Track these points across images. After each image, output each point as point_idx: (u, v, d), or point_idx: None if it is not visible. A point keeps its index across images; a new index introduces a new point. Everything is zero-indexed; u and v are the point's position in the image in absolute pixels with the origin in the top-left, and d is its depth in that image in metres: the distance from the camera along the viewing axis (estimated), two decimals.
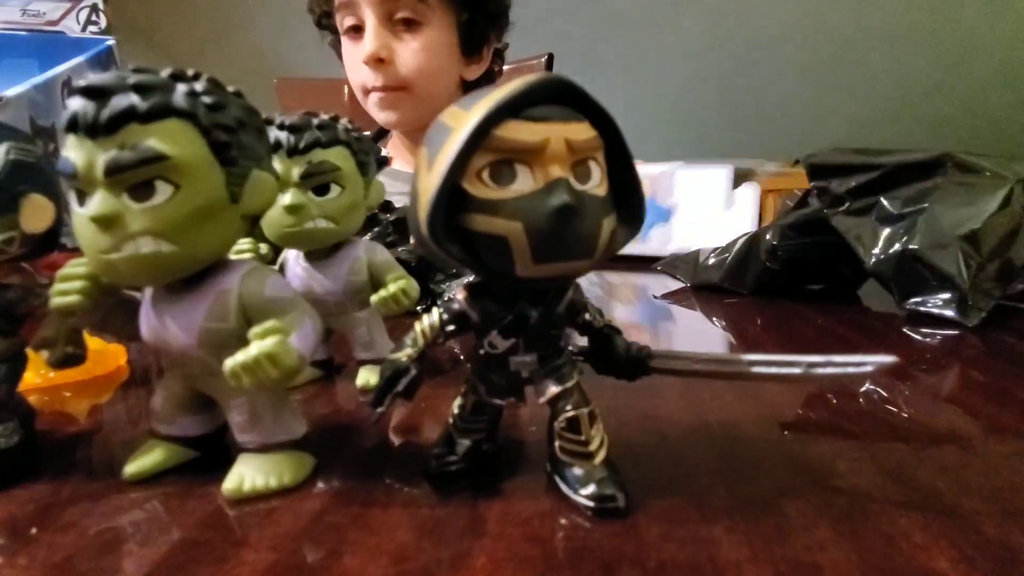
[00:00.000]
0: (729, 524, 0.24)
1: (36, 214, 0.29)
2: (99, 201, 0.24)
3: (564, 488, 0.26)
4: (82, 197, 0.24)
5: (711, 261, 0.76)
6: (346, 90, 1.47)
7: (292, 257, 0.42)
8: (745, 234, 0.73)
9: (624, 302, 0.65)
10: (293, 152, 0.36)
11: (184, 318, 0.27)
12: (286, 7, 2.00)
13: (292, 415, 0.30)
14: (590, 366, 0.29)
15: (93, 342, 0.33)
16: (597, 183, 0.24)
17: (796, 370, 0.26)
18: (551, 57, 1.41)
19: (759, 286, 0.72)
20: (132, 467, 0.29)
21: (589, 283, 0.75)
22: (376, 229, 0.61)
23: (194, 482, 0.29)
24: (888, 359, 0.25)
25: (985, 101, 1.93)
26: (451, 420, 0.29)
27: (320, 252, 0.41)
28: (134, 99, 0.23)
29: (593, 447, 0.26)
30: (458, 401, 0.29)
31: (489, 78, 1.13)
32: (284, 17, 2.01)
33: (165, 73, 0.25)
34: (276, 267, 0.43)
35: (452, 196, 0.22)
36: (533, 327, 0.26)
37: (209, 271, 0.27)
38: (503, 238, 0.22)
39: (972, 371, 0.46)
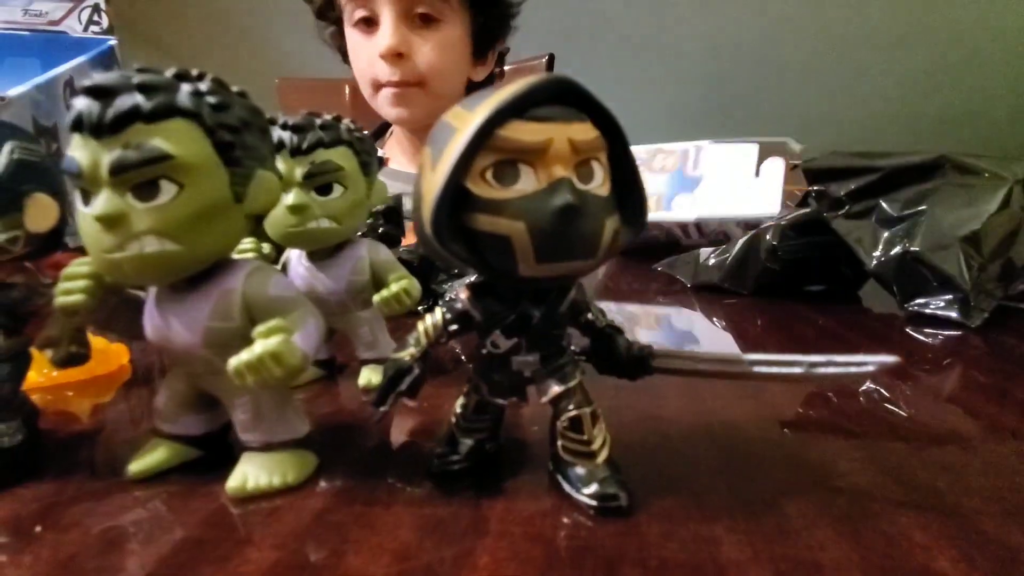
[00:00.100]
0: (730, 523, 0.24)
1: (40, 213, 0.29)
2: (104, 200, 0.24)
3: (566, 487, 0.26)
4: (87, 196, 0.24)
5: (711, 261, 0.76)
6: (347, 90, 1.48)
7: (294, 257, 0.42)
8: (745, 235, 0.74)
9: (647, 328, 0.65)
10: (296, 152, 0.36)
11: (188, 317, 0.27)
12: (287, 8, 2.00)
13: (295, 414, 0.30)
14: (592, 366, 0.29)
15: (96, 341, 0.33)
16: (600, 183, 0.24)
17: (798, 370, 0.26)
18: (552, 57, 1.41)
19: (759, 286, 0.72)
20: (136, 466, 0.29)
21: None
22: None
23: (197, 481, 0.29)
24: (889, 359, 0.25)
25: (987, 102, 1.93)
26: (454, 419, 0.29)
27: (323, 252, 0.41)
28: (139, 99, 0.23)
29: (595, 446, 0.26)
30: (460, 400, 0.29)
31: (490, 80, 1.13)
32: (285, 17, 2.01)
33: (169, 73, 0.25)
34: (278, 266, 0.43)
35: (456, 196, 0.22)
36: (536, 327, 0.26)
37: (213, 270, 0.27)
38: (506, 238, 0.22)
39: (973, 371, 0.46)
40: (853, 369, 0.25)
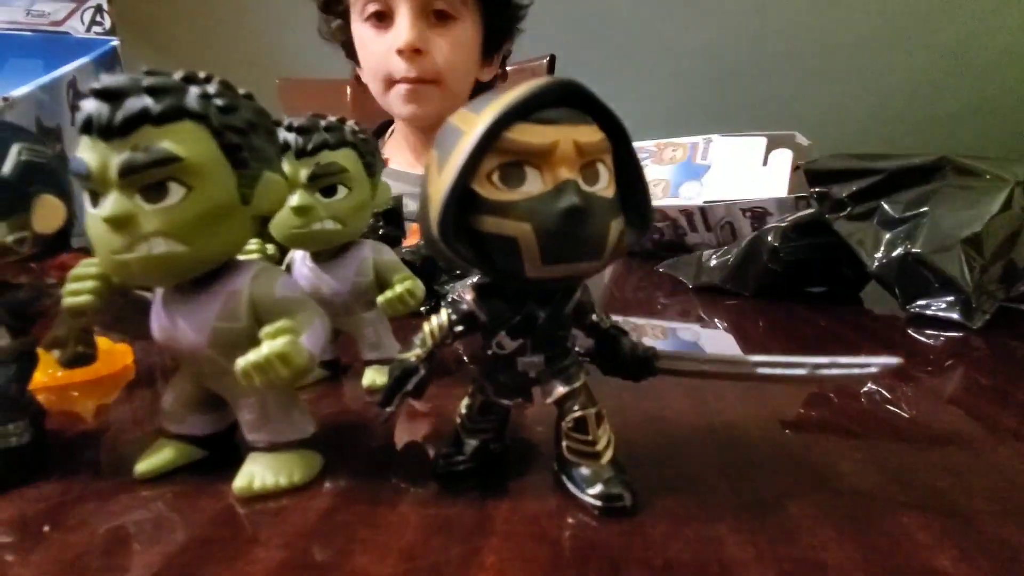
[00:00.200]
0: (734, 523, 0.24)
1: (48, 214, 0.29)
2: (112, 202, 0.24)
3: (571, 487, 0.26)
4: (95, 198, 0.25)
5: (713, 262, 0.76)
6: (348, 90, 1.48)
7: (299, 258, 0.42)
8: (751, 227, 0.74)
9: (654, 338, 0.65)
10: (301, 154, 0.36)
11: (195, 318, 0.27)
12: (289, 8, 2.00)
13: (301, 414, 0.30)
14: (596, 367, 0.29)
15: (100, 341, 0.33)
16: (605, 185, 0.24)
17: (801, 371, 0.26)
18: (553, 58, 1.41)
19: (761, 287, 0.72)
20: (142, 465, 0.29)
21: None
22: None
23: (204, 481, 0.29)
24: (892, 360, 0.25)
25: (989, 102, 1.93)
26: (459, 420, 0.29)
27: (327, 253, 0.41)
28: (147, 101, 0.23)
29: (600, 447, 0.26)
30: (465, 401, 0.29)
31: (493, 82, 1.13)
32: (287, 18, 2.01)
33: (178, 76, 0.25)
34: (283, 267, 0.43)
35: (462, 198, 0.22)
36: (541, 328, 0.26)
37: (220, 271, 0.27)
38: (513, 239, 0.22)
39: (975, 373, 0.46)
40: (856, 371, 0.26)
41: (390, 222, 0.62)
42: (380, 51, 1.01)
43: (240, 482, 0.28)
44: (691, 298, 0.76)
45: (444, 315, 0.27)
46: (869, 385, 0.41)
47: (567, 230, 0.22)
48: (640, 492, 0.26)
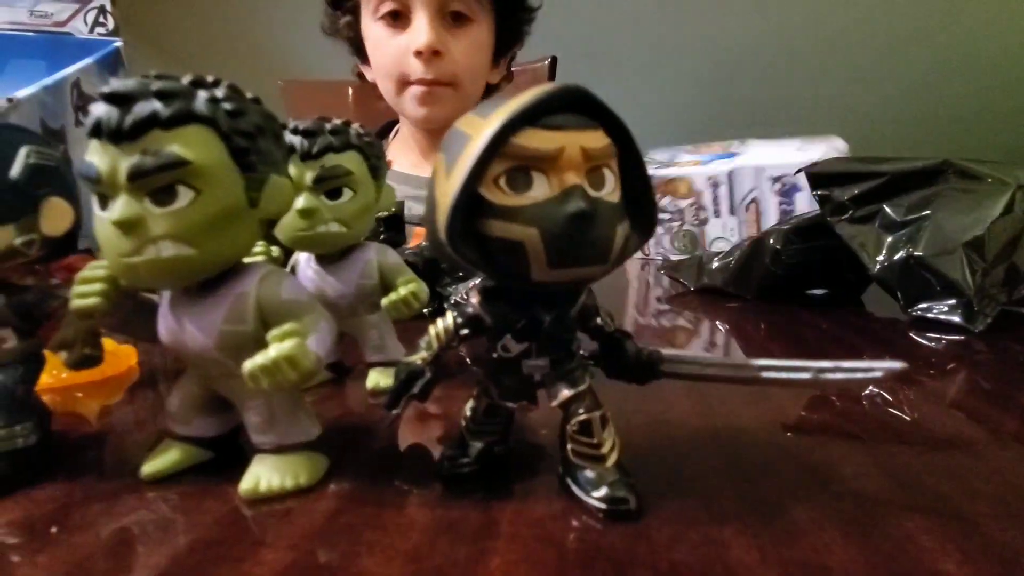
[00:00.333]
0: (738, 526, 0.25)
1: (56, 217, 0.29)
2: (121, 205, 0.24)
3: (576, 490, 0.27)
4: (104, 201, 0.25)
5: (715, 265, 0.77)
6: (350, 91, 1.48)
7: (303, 260, 0.42)
8: (748, 238, 0.74)
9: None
10: (307, 156, 0.36)
11: (203, 320, 0.27)
12: (291, 10, 2.00)
13: (307, 417, 0.30)
14: (601, 370, 0.29)
15: (105, 343, 0.34)
16: (611, 190, 0.24)
17: (805, 375, 0.26)
18: (554, 60, 1.41)
19: (762, 290, 0.73)
20: (149, 467, 0.29)
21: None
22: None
23: (210, 482, 0.29)
24: (897, 364, 0.25)
25: (991, 104, 1.94)
26: (463, 422, 0.29)
27: (332, 255, 0.41)
28: (157, 105, 0.24)
29: (605, 450, 0.26)
30: (470, 404, 0.29)
31: (499, 84, 1.13)
32: (289, 20, 2.01)
33: (186, 80, 0.25)
34: (287, 269, 0.43)
35: (469, 202, 0.23)
36: (546, 331, 0.26)
37: (227, 274, 0.27)
38: (520, 243, 0.22)
39: (977, 376, 0.46)
40: (860, 375, 0.26)
41: (391, 228, 0.63)
42: (395, 51, 0.99)
43: (246, 484, 0.28)
44: (692, 299, 0.76)
45: (449, 318, 0.27)
46: (871, 388, 0.41)
47: (573, 235, 0.22)
48: (645, 495, 0.26)
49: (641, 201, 0.26)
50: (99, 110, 0.24)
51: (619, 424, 0.28)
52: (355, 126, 0.39)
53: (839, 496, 0.27)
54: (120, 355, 0.48)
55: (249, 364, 0.25)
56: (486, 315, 0.27)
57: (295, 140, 0.36)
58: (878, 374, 0.25)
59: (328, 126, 0.38)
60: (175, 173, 0.24)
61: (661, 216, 1.09)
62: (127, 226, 0.24)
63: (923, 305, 0.60)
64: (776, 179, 0.92)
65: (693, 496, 0.27)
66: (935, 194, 0.62)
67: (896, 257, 0.61)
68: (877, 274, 0.62)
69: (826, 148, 0.98)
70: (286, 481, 0.28)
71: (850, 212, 0.65)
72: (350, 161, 0.38)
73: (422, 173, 1.07)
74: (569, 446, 0.27)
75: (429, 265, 0.58)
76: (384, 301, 0.39)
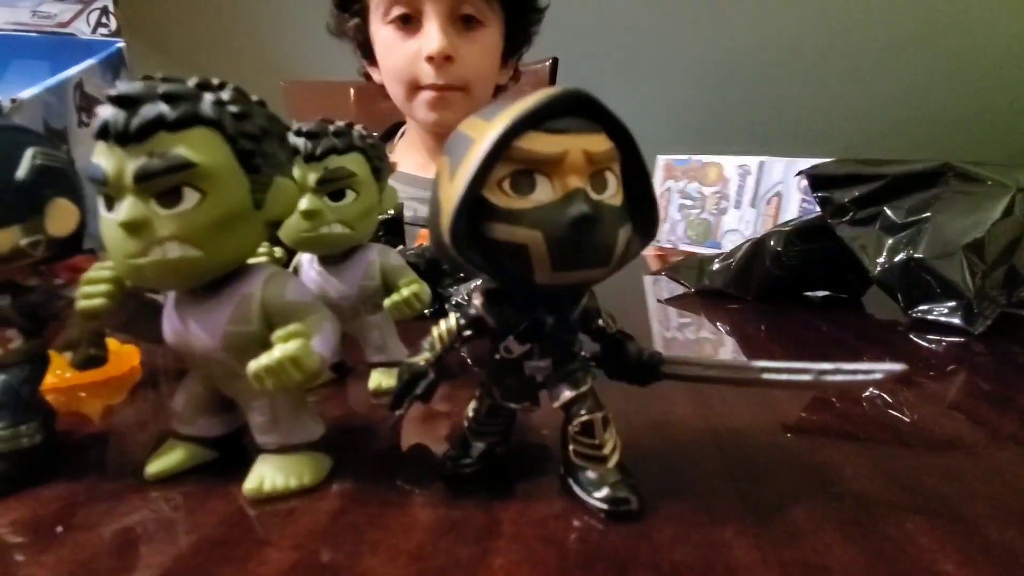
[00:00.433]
0: (739, 527, 0.25)
1: (61, 218, 0.29)
2: (128, 207, 0.24)
3: (578, 491, 0.27)
4: (110, 203, 0.25)
5: (715, 266, 0.77)
6: (352, 92, 1.48)
7: (306, 261, 0.43)
8: (749, 240, 0.74)
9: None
10: (310, 158, 0.37)
11: (208, 321, 0.27)
12: (293, 11, 2.00)
13: (310, 417, 0.30)
14: (602, 371, 0.30)
15: (108, 343, 0.34)
16: (613, 193, 0.24)
17: (806, 377, 0.26)
18: (555, 61, 1.41)
19: (763, 292, 0.73)
20: (153, 467, 0.30)
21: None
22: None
23: (214, 482, 0.29)
24: (897, 367, 0.25)
25: (991, 106, 1.94)
26: (466, 423, 0.30)
27: (334, 256, 0.41)
28: (163, 108, 0.24)
29: (607, 451, 0.27)
30: (473, 404, 0.30)
31: (506, 85, 1.13)
32: (290, 21, 2.02)
33: (192, 83, 0.25)
34: (290, 270, 0.43)
35: (473, 205, 0.23)
36: (548, 333, 0.26)
37: (231, 275, 0.28)
38: (523, 246, 0.23)
39: (977, 378, 0.46)
40: (861, 377, 0.26)
41: (390, 231, 0.63)
42: (406, 56, 0.97)
43: (250, 483, 0.28)
44: (693, 301, 0.76)
45: (453, 320, 0.28)
46: (871, 390, 0.41)
47: (576, 238, 0.22)
48: (646, 496, 0.26)
49: (643, 204, 0.26)
50: (106, 112, 0.24)
51: (620, 425, 0.28)
52: (358, 128, 0.39)
53: (839, 497, 0.27)
54: (123, 355, 0.48)
55: (254, 365, 0.25)
56: (489, 317, 0.27)
57: (298, 142, 0.37)
58: (878, 376, 0.26)
59: (331, 128, 0.38)
60: (181, 175, 0.24)
61: (683, 203, 1.10)
62: (133, 227, 0.24)
63: (923, 307, 0.60)
64: (799, 171, 0.93)
65: (694, 497, 0.27)
66: (935, 196, 0.62)
67: (896, 259, 0.61)
68: (877, 276, 0.62)
69: None
70: (290, 481, 0.28)
71: (851, 214, 0.65)
72: (353, 163, 0.38)
73: (429, 175, 1.05)
74: (571, 447, 0.27)
75: (430, 266, 0.58)
76: (386, 302, 0.39)
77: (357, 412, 0.39)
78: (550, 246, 0.22)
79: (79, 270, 0.32)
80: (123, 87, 0.24)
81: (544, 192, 0.23)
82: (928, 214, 0.61)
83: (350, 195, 0.38)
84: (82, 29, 0.94)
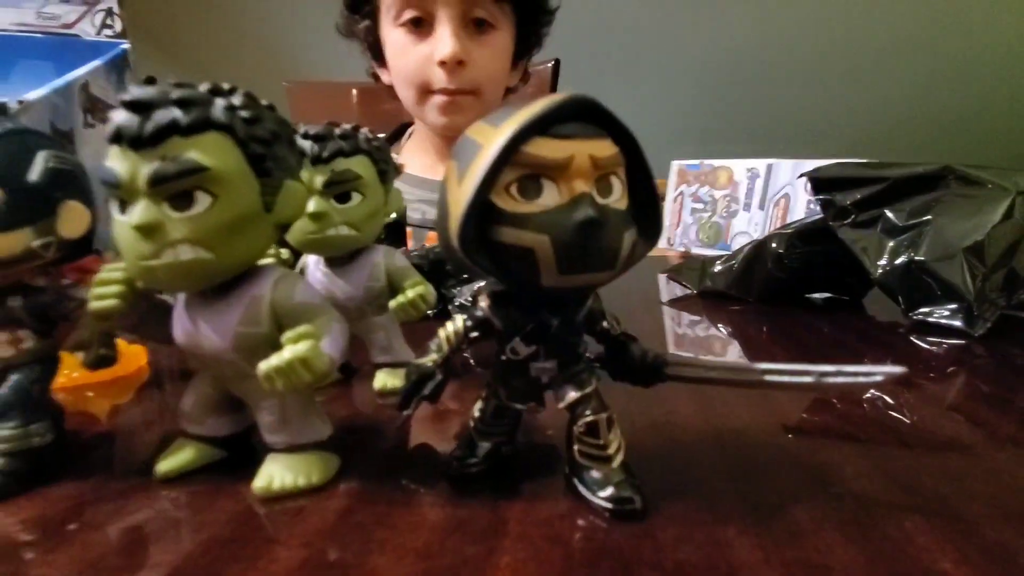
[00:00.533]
0: (742, 527, 0.25)
1: (73, 220, 0.30)
2: (141, 210, 0.25)
3: (582, 490, 0.27)
4: (123, 205, 0.25)
5: (717, 268, 0.77)
6: (354, 93, 1.48)
7: (312, 262, 0.43)
8: (751, 242, 0.74)
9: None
10: (317, 161, 0.37)
11: (218, 322, 0.28)
12: (296, 12, 2.01)
13: (318, 417, 0.31)
14: (606, 372, 0.30)
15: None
16: (618, 197, 0.25)
17: (808, 379, 0.27)
18: (557, 63, 1.41)
19: (765, 294, 0.73)
20: (164, 465, 0.30)
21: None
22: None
23: (223, 481, 0.30)
24: (897, 369, 0.26)
25: (989, 111, 1.94)
26: (472, 423, 0.30)
27: (340, 258, 0.42)
28: (176, 113, 0.24)
29: (611, 451, 0.27)
30: (479, 405, 0.30)
31: (516, 86, 1.12)
32: (294, 22, 2.02)
33: (204, 88, 0.26)
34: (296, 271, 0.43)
35: (481, 209, 0.23)
36: (554, 334, 0.27)
37: (241, 277, 0.28)
38: (530, 250, 0.23)
39: (976, 380, 0.47)
40: (862, 379, 0.26)
41: (391, 234, 0.63)
42: (417, 60, 0.97)
43: (260, 482, 0.28)
44: (695, 303, 0.76)
45: (460, 321, 0.28)
46: (872, 392, 0.41)
47: (583, 241, 0.23)
48: (649, 496, 0.27)
49: (647, 208, 0.26)
50: (120, 117, 0.24)
51: (624, 426, 0.28)
52: (364, 131, 0.40)
53: (840, 497, 0.28)
54: (130, 356, 0.48)
55: (264, 365, 0.25)
56: (495, 319, 0.27)
57: (305, 145, 0.37)
58: (879, 378, 0.26)
59: (338, 131, 0.38)
60: (194, 179, 0.24)
61: (695, 207, 1.10)
62: (147, 230, 0.25)
63: (924, 309, 0.60)
64: (802, 173, 0.94)
65: (697, 497, 0.28)
66: (936, 199, 0.62)
67: (898, 261, 0.61)
68: (879, 278, 0.63)
69: None
70: (298, 480, 0.28)
71: (852, 217, 0.66)
72: (359, 165, 0.38)
73: (435, 176, 1.05)
74: (576, 447, 0.28)
75: (434, 267, 0.59)
76: (392, 303, 0.40)
77: (363, 412, 0.40)
78: (557, 250, 0.23)
79: (86, 271, 0.32)
80: (137, 92, 0.24)
81: (551, 196, 0.23)
82: (929, 217, 0.61)
83: (356, 197, 0.39)
84: (87, 30, 0.94)
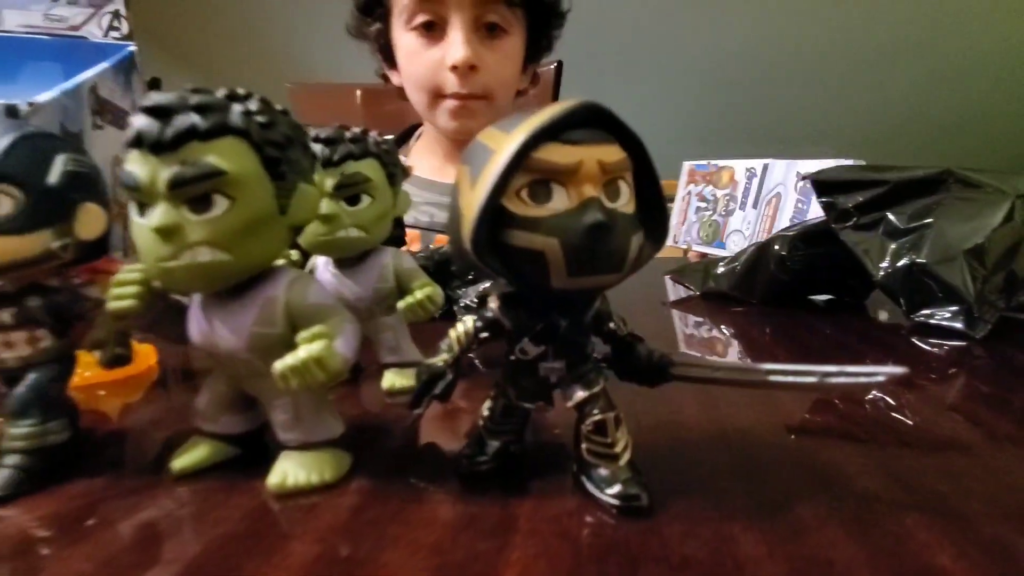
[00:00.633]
0: (746, 523, 0.26)
1: (90, 221, 0.30)
2: (161, 213, 0.25)
3: (590, 487, 0.28)
4: (142, 208, 0.26)
5: (720, 270, 0.78)
6: (358, 94, 1.49)
7: (321, 263, 0.43)
8: (754, 244, 0.75)
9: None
10: (327, 164, 0.38)
11: (234, 322, 0.28)
12: (300, 14, 2.01)
13: (331, 415, 0.31)
14: (613, 372, 0.31)
15: None
16: (626, 201, 0.25)
17: (811, 379, 0.27)
18: (560, 65, 1.42)
19: (767, 295, 0.74)
20: (179, 462, 0.31)
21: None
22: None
23: (237, 478, 0.30)
24: (898, 370, 0.26)
25: (991, 111, 1.94)
26: (481, 422, 0.31)
27: (349, 259, 0.42)
28: (195, 118, 0.25)
29: (618, 449, 0.27)
30: (488, 404, 0.30)
31: (525, 89, 1.12)
32: (297, 23, 2.03)
33: (221, 93, 0.26)
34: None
35: (493, 213, 0.24)
36: (562, 335, 0.27)
37: (256, 278, 0.29)
38: (540, 253, 0.24)
39: (976, 381, 0.47)
40: (864, 379, 0.27)
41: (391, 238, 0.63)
42: (429, 64, 0.96)
43: (274, 479, 0.29)
44: (699, 304, 0.77)
45: (470, 322, 0.28)
46: (874, 392, 0.42)
47: (592, 245, 0.23)
48: (656, 493, 0.27)
49: (654, 211, 0.27)
50: (140, 122, 0.25)
51: (631, 425, 0.29)
52: (373, 134, 0.40)
53: (842, 495, 0.28)
54: (140, 354, 0.49)
55: (280, 364, 0.26)
56: (505, 319, 0.28)
57: (316, 148, 0.37)
58: (881, 379, 0.26)
59: (348, 134, 0.39)
60: (212, 182, 0.25)
61: (699, 205, 1.12)
62: (166, 232, 0.25)
63: (926, 311, 0.61)
64: (803, 176, 0.94)
65: (702, 494, 0.28)
66: (937, 202, 0.63)
67: (899, 264, 0.62)
68: (881, 280, 0.63)
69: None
70: (312, 477, 0.29)
71: (854, 219, 0.66)
72: (369, 168, 0.39)
73: (444, 179, 1.05)
74: (583, 445, 0.28)
75: (439, 268, 0.59)
76: (400, 304, 0.40)
77: (372, 412, 0.40)
78: (566, 252, 0.23)
79: (97, 271, 0.33)
80: (157, 98, 0.25)
81: (560, 201, 0.24)
82: (930, 220, 0.62)
83: (365, 200, 0.39)
84: (94, 32, 0.94)
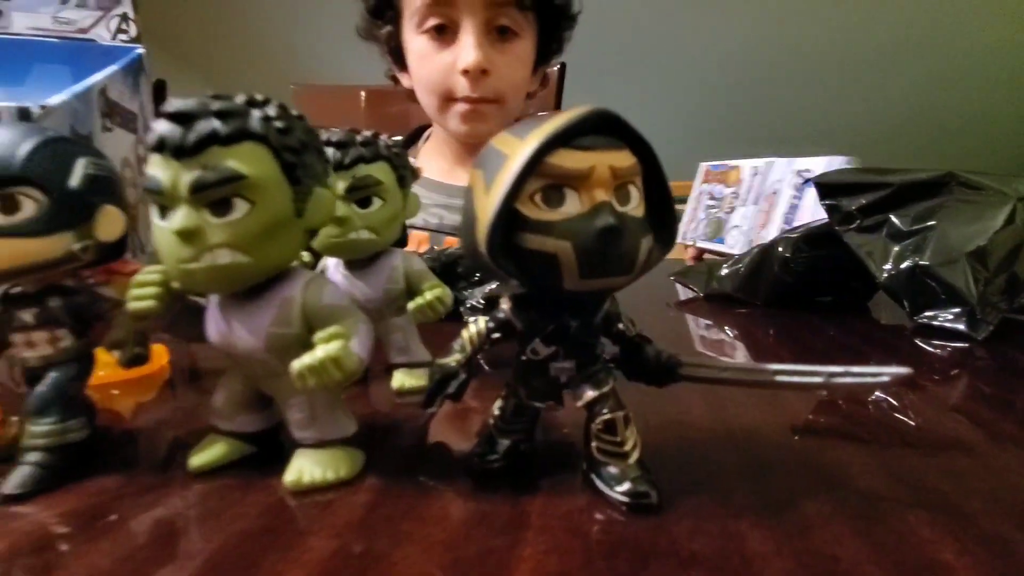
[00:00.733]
0: (753, 520, 0.26)
1: (109, 223, 0.31)
2: (182, 216, 0.26)
3: (600, 485, 0.28)
4: (163, 211, 0.27)
5: (724, 271, 0.78)
6: (362, 96, 1.49)
7: (332, 265, 0.44)
8: (758, 246, 0.75)
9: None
10: (339, 167, 0.38)
11: (251, 323, 0.29)
12: (305, 16, 2.02)
13: (344, 414, 0.32)
14: (622, 372, 0.31)
15: None
16: (636, 205, 0.26)
17: (817, 379, 0.28)
18: (563, 67, 1.42)
19: (771, 297, 0.74)
20: (197, 460, 0.31)
21: None
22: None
23: (253, 475, 0.31)
24: (903, 370, 0.27)
25: (989, 114, 1.95)
26: (492, 421, 0.31)
27: (360, 261, 0.43)
28: (216, 124, 0.25)
29: (628, 447, 0.28)
30: (499, 403, 0.31)
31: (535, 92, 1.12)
32: (302, 25, 2.03)
33: (240, 99, 0.27)
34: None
35: (507, 217, 0.24)
36: (573, 336, 0.28)
37: (273, 280, 0.29)
38: (553, 255, 0.24)
39: (978, 382, 0.48)
40: (869, 380, 0.27)
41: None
42: (440, 67, 0.96)
43: (290, 476, 0.29)
44: (702, 305, 0.77)
45: (482, 323, 0.29)
46: (877, 393, 0.43)
47: (603, 248, 0.24)
48: (664, 490, 0.28)
49: (663, 215, 0.27)
50: (162, 127, 0.25)
51: (639, 424, 0.29)
52: (383, 137, 0.41)
53: (847, 493, 0.29)
54: (153, 354, 0.49)
55: (297, 364, 0.26)
56: (517, 320, 0.28)
57: (328, 151, 0.38)
58: (885, 379, 0.27)
59: (359, 138, 0.39)
60: (233, 186, 0.26)
61: (709, 204, 1.13)
62: (187, 235, 0.26)
63: (929, 313, 0.61)
64: (805, 178, 0.95)
65: (710, 492, 0.29)
66: (940, 205, 0.63)
67: (902, 266, 0.62)
68: (884, 282, 0.64)
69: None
70: (327, 474, 0.30)
71: (858, 221, 0.67)
72: (379, 171, 0.40)
73: (453, 181, 1.06)
74: (593, 443, 0.29)
75: (445, 269, 0.60)
76: (410, 305, 0.41)
77: (382, 411, 0.41)
78: (578, 255, 0.24)
79: (112, 272, 0.33)
80: (179, 104, 0.26)
81: (573, 205, 0.24)
82: (933, 222, 0.62)
83: (376, 202, 0.40)
84: (102, 35, 0.95)
